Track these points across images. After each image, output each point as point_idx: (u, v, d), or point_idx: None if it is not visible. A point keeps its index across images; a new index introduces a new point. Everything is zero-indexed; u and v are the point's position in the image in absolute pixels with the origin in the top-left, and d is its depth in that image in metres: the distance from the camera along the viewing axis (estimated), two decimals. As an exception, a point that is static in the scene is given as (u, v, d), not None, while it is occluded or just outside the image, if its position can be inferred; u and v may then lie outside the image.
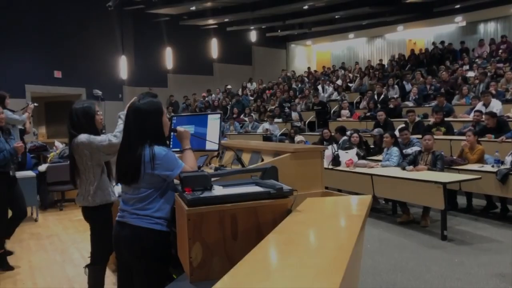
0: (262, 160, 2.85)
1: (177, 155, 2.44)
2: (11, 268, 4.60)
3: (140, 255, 2.36)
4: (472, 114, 8.53)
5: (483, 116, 8.00)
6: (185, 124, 3.17)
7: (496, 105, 8.77)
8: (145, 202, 2.34)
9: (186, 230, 1.89)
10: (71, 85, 14.70)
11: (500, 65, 12.40)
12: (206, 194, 1.96)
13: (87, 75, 14.74)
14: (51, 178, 7.36)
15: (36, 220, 6.75)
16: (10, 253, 4.89)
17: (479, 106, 8.94)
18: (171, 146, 3.08)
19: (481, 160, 6.78)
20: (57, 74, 14.58)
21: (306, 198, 2.27)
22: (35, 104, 5.59)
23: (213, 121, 3.06)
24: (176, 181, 2.37)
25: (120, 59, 15.89)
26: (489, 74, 11.59)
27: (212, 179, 2.15)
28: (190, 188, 2.01)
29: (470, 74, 12.50)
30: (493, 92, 9.59)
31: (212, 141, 2.94)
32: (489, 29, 17.57)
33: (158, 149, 2.30)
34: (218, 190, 2.02)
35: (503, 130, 7.55)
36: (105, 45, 15.52)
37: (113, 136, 3.05)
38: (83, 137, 3.09)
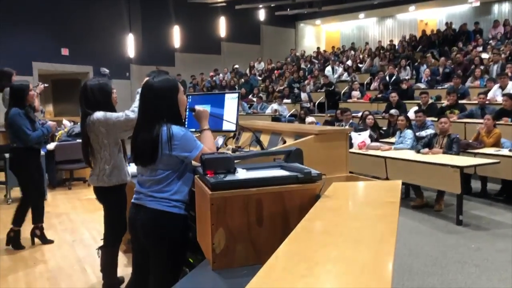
0: (284, 142, 2.73)
1: (194, 135, 2.33)
2: (50, 241, 4.72)
3: (157, 239, 2.27)
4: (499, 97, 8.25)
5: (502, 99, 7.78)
6: (201, 103, 3.05)
7: (512, 88, 8.57)
8: (162, 184, 2.24)
9: (208, 215, 1.79)
10: (78, 63, 14.56)
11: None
12: (230, 177, 1.85)
13: (94, 53, 14.58)
14: (59, 156, 7.28)
15: (45, 199, 6.69)
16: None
17: (495, 88, 8.73)
18: (186, 125, 2.97)
19: (497, 144, 6.63)
20: (64, 51, 14.43)
21: (332, 182, 2.16)
22: (45, 85, 5.53)
23: (231, 101, 2.93)
24: (194, 163, 2.27)
25: (127, 37, 15.71)
26: (503, 56, 11.32)
27: (235, 161, 2.04)
28: (212, 171, 1.90)
29: (484, 55, 12.22)
30: (510, 74, 9.36)
31: (230, 121, 2.82)
32: (504, 9, 17.15)
33: (176, 129, 2.19)
34: (242, 174, 1.91)
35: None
36: (112, 23, 15.33)
37: (131, 111, 2.94)
38: (99, 114, 2.99)
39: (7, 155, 6.30)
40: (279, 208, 1.82)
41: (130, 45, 15.69)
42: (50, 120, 10.28)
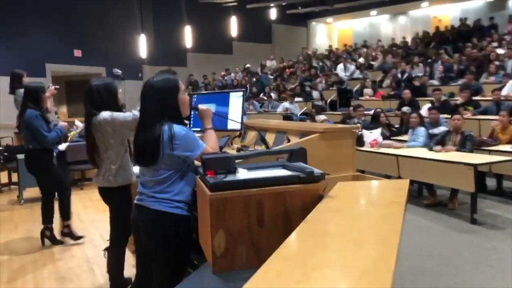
0: (289, 140, 2.67)
1: (198, 135, 2.29)
2: (78, 237, 4.80)
3: (159, 240, 2.24)
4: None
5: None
6: (206, 103, 3.01)
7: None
8: (164, 184, 2.21)
9: (208, 216, 1.74)
10: (91, 64, 14.63)
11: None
12: (230, 177, 1.81)
13: (106, 54, 14.65)
14: (71, 157, 7.32)
15: (56, 199, 6.72)
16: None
17: (510, 84, 8.56)
18: (191, 125, 2.93)
19: (513, 140, 6.48)
20: (77, 53, 14.52)
21: (337, 182, 2.10)
22: (56, 87, 5.56)
23: (235, 99, 2.88)
24: (197, 163, 2.23)
25: (139, 38, 15.74)
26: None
27: (236, 161, 2.00)
28: (212, 171, 1.86)
29: (500, 51, 11.99)
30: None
31: (234, 120, 2.77)
32: (519, 4, 16.82)
33: (178, 128, 2.16)
34: (242, 174, 1.86)
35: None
36: (124, 23, 15.38)
37: (138, 111, 2.91)
38: (105, 114, 2.97)
39: (19, 156, 6.36)
40: (281, 209, 1.77)
41: (142, 45, 15.71)
42: (64, 121, 10.38)
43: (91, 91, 3.05)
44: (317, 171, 1.82)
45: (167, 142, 2.13)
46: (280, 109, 12.46)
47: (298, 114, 12.05)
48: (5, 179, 7.62)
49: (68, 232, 4.77)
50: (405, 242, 4.44)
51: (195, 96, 3.14)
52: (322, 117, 10.20)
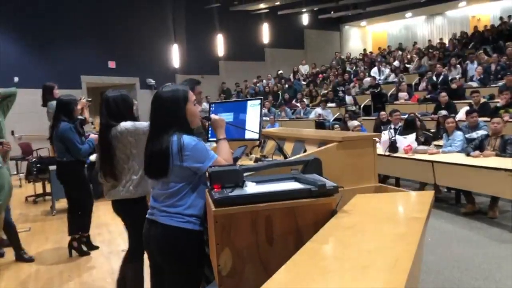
0: (305, 150, 2.55)
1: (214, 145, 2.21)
2: (86, 253, 4.79)
3: (171, 256, 2.16)
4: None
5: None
6: (224, 112, 2.93)
7: None
8: (175, 198, 2.13)
9: (213, 233, 1.65)
10: (124, 74, 14.88)
11: None
12: (237, 192, 1.71)
13: (140, 64, 14.88)
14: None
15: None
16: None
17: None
18: (209, 136, 2.86)
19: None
20: (111, 64, 14.80)
21: (356, 194, 1.97)
22: (88, 99, 5.65)
23: (253, 108, 2.78)
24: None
25: (172, 47, 15.92)
26: None
27: (246, 173, 1.89)
28: (219, 185, 1.76)
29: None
30: None
31: (250, 129, 2.67)
32: None
33: (187, 139, 2.08)
34: (251, 187, 1.76)
35: None
36: (157, 33, 15.59)
37: None
38: (127, 124, 2.96)
39: (51, 167, 6.47)
40: (291, 225, 1.66)
41: (175, 55, 15.88)
42: (96, 132, 10.57)
43: (108, 103, 3.03)
44: (330, 183, 1.70)
45: (176, 154, 2.06)
46: (312, 115, 12.29)
47: (331, 120, 11.85)
48: (39, 190, 7.78)
49: (76, 247, 4.77)
50: (441, 254, 4.23)
51: (213, 105, 3.06)
52: (355, 122, 9.94)
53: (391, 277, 1.04)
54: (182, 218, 2.12)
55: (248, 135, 2.74)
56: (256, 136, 2.72)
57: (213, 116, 2.36)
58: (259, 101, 2.78)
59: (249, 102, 2.82)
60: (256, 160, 2.75)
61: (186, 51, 16.38)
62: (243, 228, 1.63)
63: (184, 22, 16.58)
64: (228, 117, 2.85)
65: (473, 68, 11.72)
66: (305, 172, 1.96)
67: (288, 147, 2.76)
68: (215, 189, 1.75)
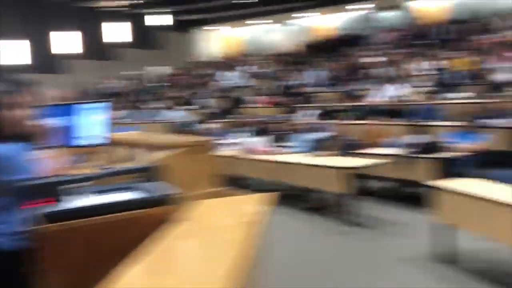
0: (151, 156, 2.42)
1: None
2: None
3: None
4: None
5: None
6: (56, 116, 2.64)
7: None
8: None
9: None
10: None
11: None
12: (57, 207, 1.51)
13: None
14: None
15: None
16: None
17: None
18: (46, 143, 2.55)
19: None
20: None
21: (197, 200, 1.90)
22: None
23: (98, 110, 2.55)
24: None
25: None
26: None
27: (88, 183, 1.71)
28: (33, 201, 1.55)
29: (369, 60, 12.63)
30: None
31: (94, 134, 2.45)
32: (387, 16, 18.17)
33: (3, 149, 1.80)
34: (71, 202, 1.57)
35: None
36: None
37: None
38: None
39: None
40: (120, 240, 1.51)
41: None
42: None
43: None
44: (164, 192, 1.60)
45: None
46: (166, 117, 12.10)
47: (187, 123, 11.78)
48: None
49: None
50: (289, 251, 4.39)
51: (44, 109, 2.75)
52: (210, 125, 10.05)
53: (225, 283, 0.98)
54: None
55: (89, 140, 2.52)
56: (101, 141, 2.51)
57: (35, 122, 2.09)
58: (106, 103, 2.56)
59: (93, 105, 2.59)
60: (102, 169, 2.53)
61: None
62: (62, 248, 1.45)
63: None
64: (66, 121, 2.60)
65: (318, 74, 12.65)
66: (147, 179, 1.83)
67: (137, 153, 2.60)
68: (30, 206, 1.53)
